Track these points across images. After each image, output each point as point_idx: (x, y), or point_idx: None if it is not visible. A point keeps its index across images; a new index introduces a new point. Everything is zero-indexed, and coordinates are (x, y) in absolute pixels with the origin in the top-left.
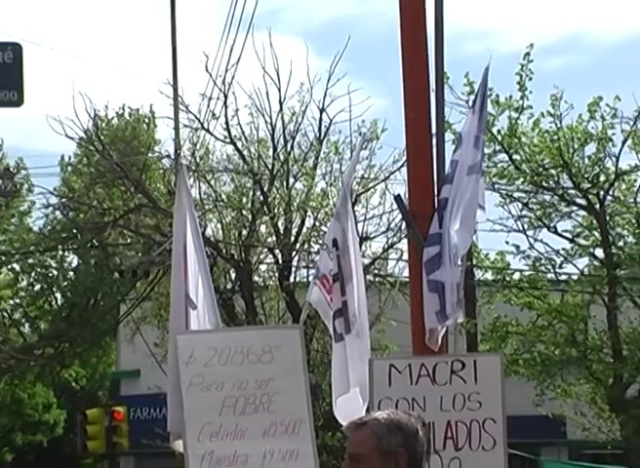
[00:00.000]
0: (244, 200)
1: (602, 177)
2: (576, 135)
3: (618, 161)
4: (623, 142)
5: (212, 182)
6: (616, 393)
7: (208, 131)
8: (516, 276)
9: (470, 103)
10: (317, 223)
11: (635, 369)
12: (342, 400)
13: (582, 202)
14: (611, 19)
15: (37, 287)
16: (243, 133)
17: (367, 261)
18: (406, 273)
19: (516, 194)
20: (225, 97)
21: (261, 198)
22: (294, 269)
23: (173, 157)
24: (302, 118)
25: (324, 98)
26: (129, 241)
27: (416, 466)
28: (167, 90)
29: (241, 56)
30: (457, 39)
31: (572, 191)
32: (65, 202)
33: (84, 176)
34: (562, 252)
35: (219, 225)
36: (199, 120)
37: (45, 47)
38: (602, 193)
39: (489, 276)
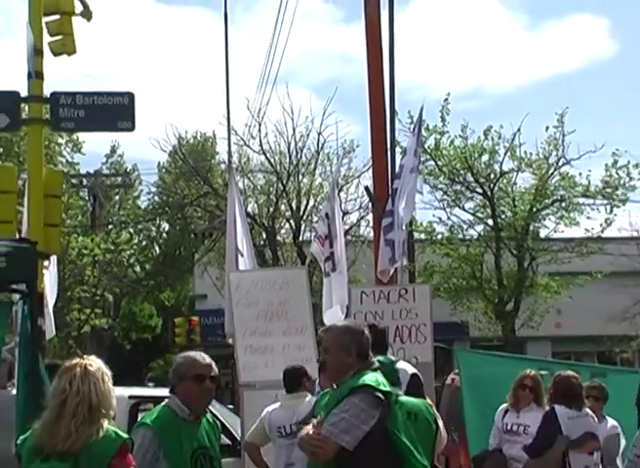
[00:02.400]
0: (271, 189)
1: (492, 176)
2: (476, 149)
3: (501, 165)
4: (504, 154)
5: (251, 178)
6: (499, 308)
7: (248, 146)
8: (439, 236)
9: (411, 129)
10: (316, 204)
11: (511, 293)
12: (329, 312)
13: (480, 190)
14: (499, 78)
15: (144, 243)
16: (270, 147)
17: (346, 227)
18: (371, 235)
19: (439, 185)
20: (259, 125)
21: (282, 188)
22: (302, 232)
23: (226, 163)
24: (307, 138)
25: (321, 126)
26: (199, 214)
27: (362, 354)
28: (223, 121)
29: (270, 99)
30: (403, 89)
31: (473, 184)
32: (161, 190)
33: (172, 175)
34: (467, 221)
35: (255, 205)
36: (243, 140)
37: (147, 93)
38: (492, 185)
39: (422, 236)
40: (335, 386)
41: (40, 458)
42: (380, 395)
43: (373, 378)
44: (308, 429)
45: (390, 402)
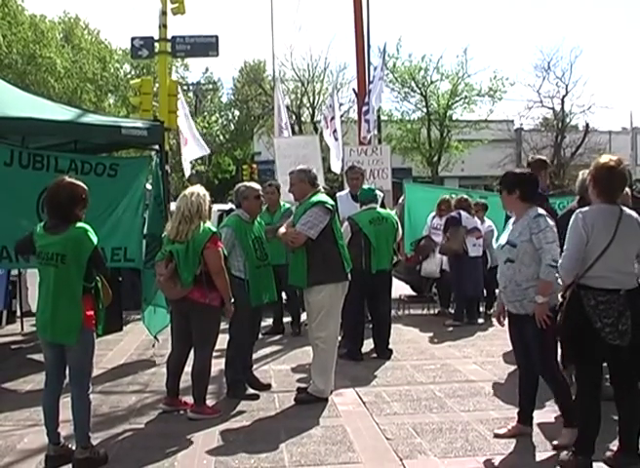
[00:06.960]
0: (298, 90)
1: (425, 83)
2: (416, 68)
3: (431, 77)
4: (433, 70)
5: (286, 84)
6: (429, 160)
7: (285, 66)
8: (395, 118)
9: (380, 55)
10: (324, 99)
11: (436, 151)
12: (334, 162)
13: (418, 92)
14: (426, 32)
15: (224, 122)
16: (297, 67)
17: (342, 112)
18: (356, 116)
19: (395, 88)
20: (291, 54)
21: (304, 90)
22: (315, 115)
23: (272, 76)
24: (319, 61)
25: (327, 53)
26: (256, 105)
27: (314, 183)
28: (270, 52)
29: (297, 39)
30: (375, 33)
31: (415, 88)
32: (234, 92)
33: (240, 82)
34: (411, 109)
35: (288, 100)
36: (282, 63)
37: (227, 35)
38: (425, 89)
39: (385, 117)
40: (299, 203)
41: (171, 242)
42: (329, 207)
43: (323, 197)
44: (283, 229)
45: (333, 211)
